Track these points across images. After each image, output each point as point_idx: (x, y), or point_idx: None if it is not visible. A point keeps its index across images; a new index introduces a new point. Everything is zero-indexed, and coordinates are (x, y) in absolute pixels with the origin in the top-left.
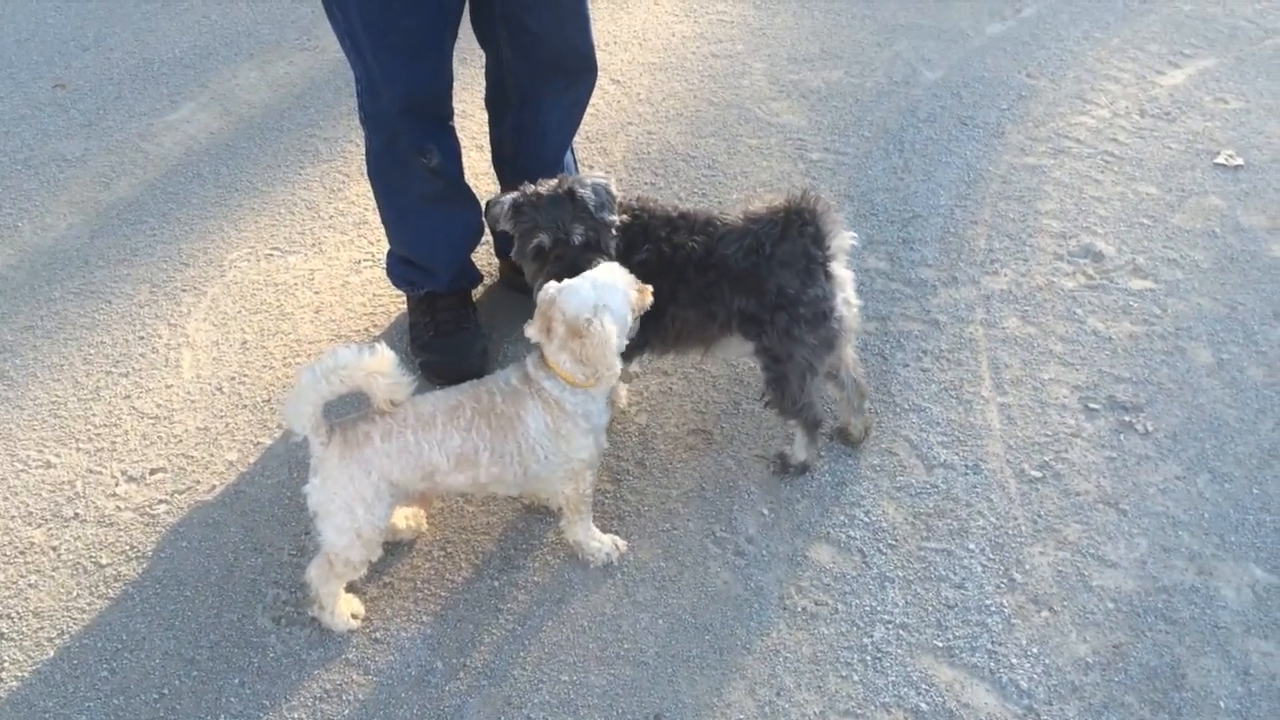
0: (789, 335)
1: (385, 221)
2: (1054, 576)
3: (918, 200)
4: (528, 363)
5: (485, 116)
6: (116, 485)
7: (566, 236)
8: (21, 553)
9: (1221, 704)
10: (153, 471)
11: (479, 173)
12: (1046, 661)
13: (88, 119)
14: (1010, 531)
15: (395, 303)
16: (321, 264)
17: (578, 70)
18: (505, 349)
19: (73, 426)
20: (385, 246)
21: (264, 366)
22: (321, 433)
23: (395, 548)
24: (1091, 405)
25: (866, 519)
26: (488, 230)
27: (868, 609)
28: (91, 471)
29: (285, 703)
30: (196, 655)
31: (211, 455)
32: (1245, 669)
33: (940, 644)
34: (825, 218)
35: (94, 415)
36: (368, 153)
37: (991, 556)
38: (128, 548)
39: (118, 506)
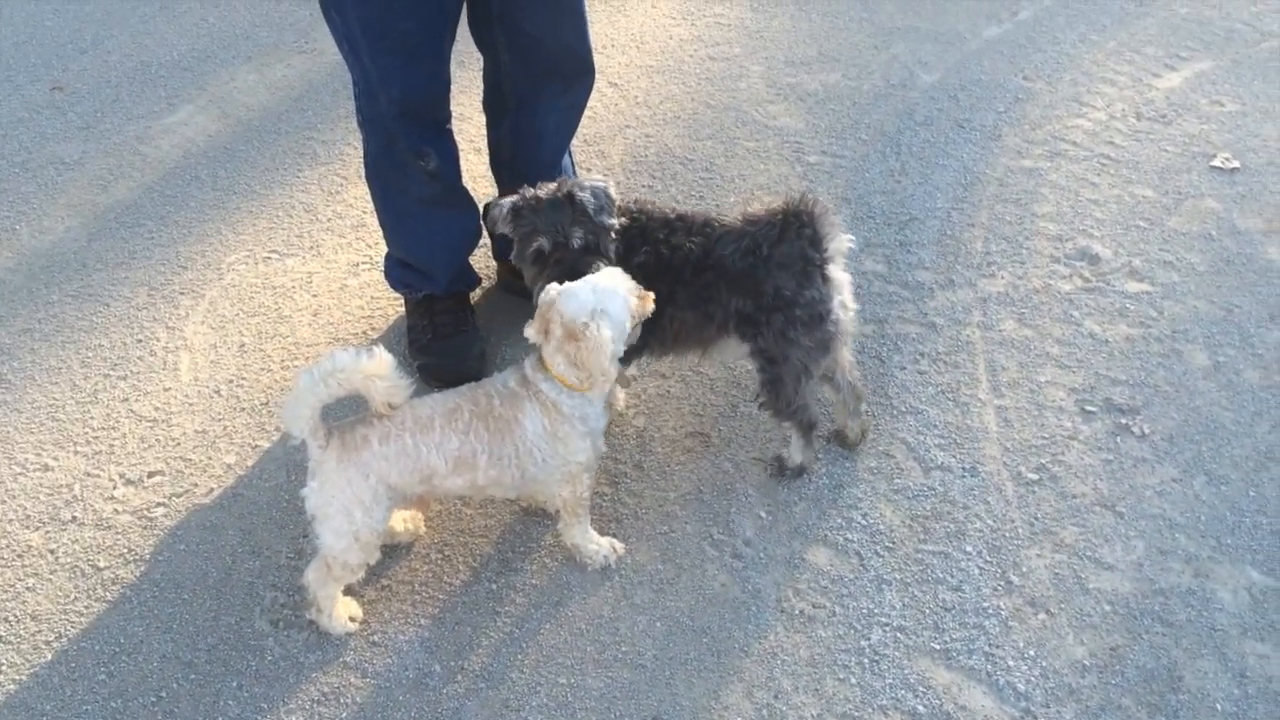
0: (784, 337)
1: (383, 224)
2: (1051, 579)
3: (915, 203)
4: (526, 365)
5: (483, 119)
6: (114, 488)
7: (566, 240)
8: (19, 556)
9: (1218, 706)
10: (150, 474)
11: (477, 175)
12: (1044, 664)
13: (85, 122)
14: (1007, 534)
15: (393, 305)
16: (319, 267)
17: (575, 73)
18: (503, 352)
19: (70, 429)
20: (383, 249)
21: (262, 369)
22: (319, 436)
23: (393, 551)
24: (1088, 408)
25: (864, 521)
26: (485, 233)
27: (865, 611)
28: (89, 474)
29: (283, 706)
30: (194, 658)
31: (209, 458)
32: (1242, 671)
33: (937, 646)
34: (823, 220)
35: (92, 418)
36: (365, 156)
37: (989, 559)
38: (125, 551)
39: (115, 509)
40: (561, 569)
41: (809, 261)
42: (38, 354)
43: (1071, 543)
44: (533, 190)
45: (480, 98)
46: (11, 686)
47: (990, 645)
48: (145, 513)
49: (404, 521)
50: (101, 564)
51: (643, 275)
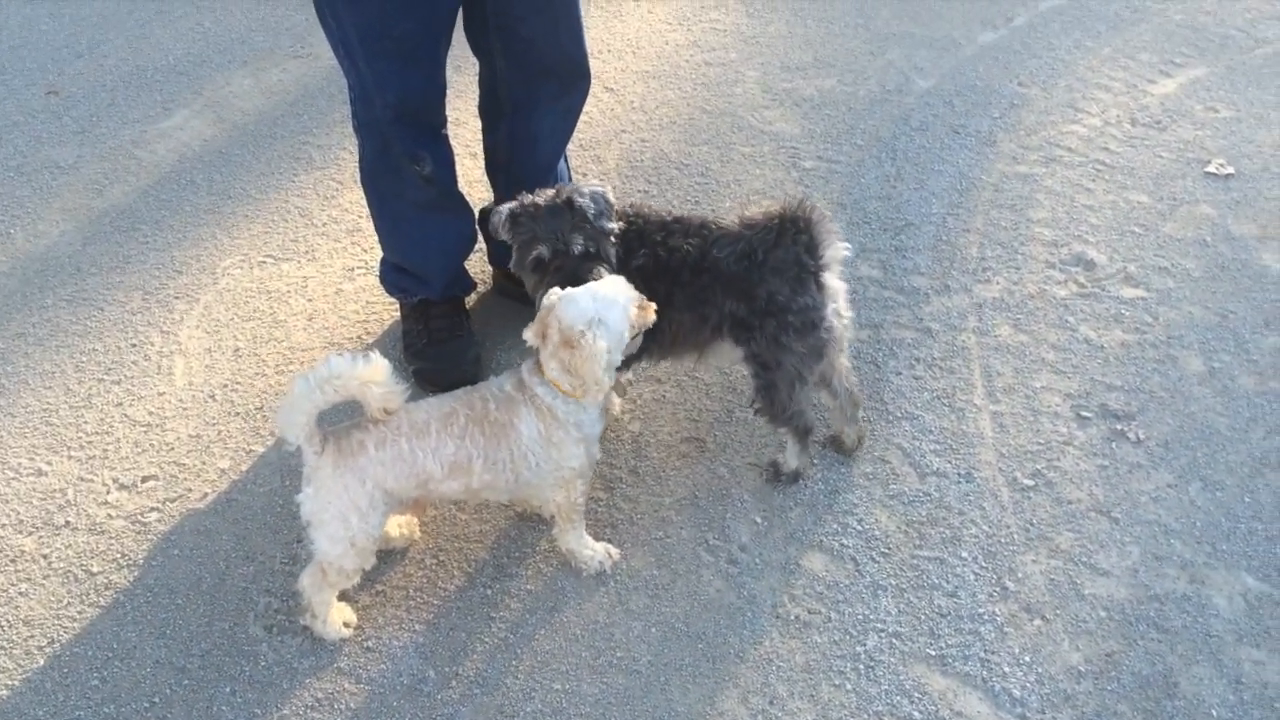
0: (777, 343)
1: (378, 229)
2: (1046, 585)
3: (910, 208)
4: (523, 369)
5: (479, 124)
6: (108, 493)
7: (566, 247)
8: (12, 561)
9: (1214, 712)
10: (144, 479)
11: (472, 180)
12: (1039, 670)
13: (81, 126)
14: (1003, 540)
15: (388, 310)
16: (314, 271)
17: (571, 78)
18: (498, 356)
19: (64, 434)
20: (378, 254)
21: (256, 374)
22: (315, 442)
23: (388, 556)
24: (1083, 413)
25: (859, 527)
26: (481, 238)
27: (860, 617)
28: (83, 479)
29: (277, 711)
30: (188, 664)
31: (203, 463)
32: (1237, 677)
33: (933, 652)
34: (819, 227)
35: (86, 423)
36: (361, 160)
37: (984, 565)
38: (119, 556)
39: (109, 514)
40: (556, 574)
41: (803, 268)
42: (31, 358)
43: (1067, 548)
44: (531, 197)
45: (476, 102)
46: (4, 692)
47: (986, 651)
48: (139, 517)
49: (399, 527)
50: (95, 569)
51: (641, 278)
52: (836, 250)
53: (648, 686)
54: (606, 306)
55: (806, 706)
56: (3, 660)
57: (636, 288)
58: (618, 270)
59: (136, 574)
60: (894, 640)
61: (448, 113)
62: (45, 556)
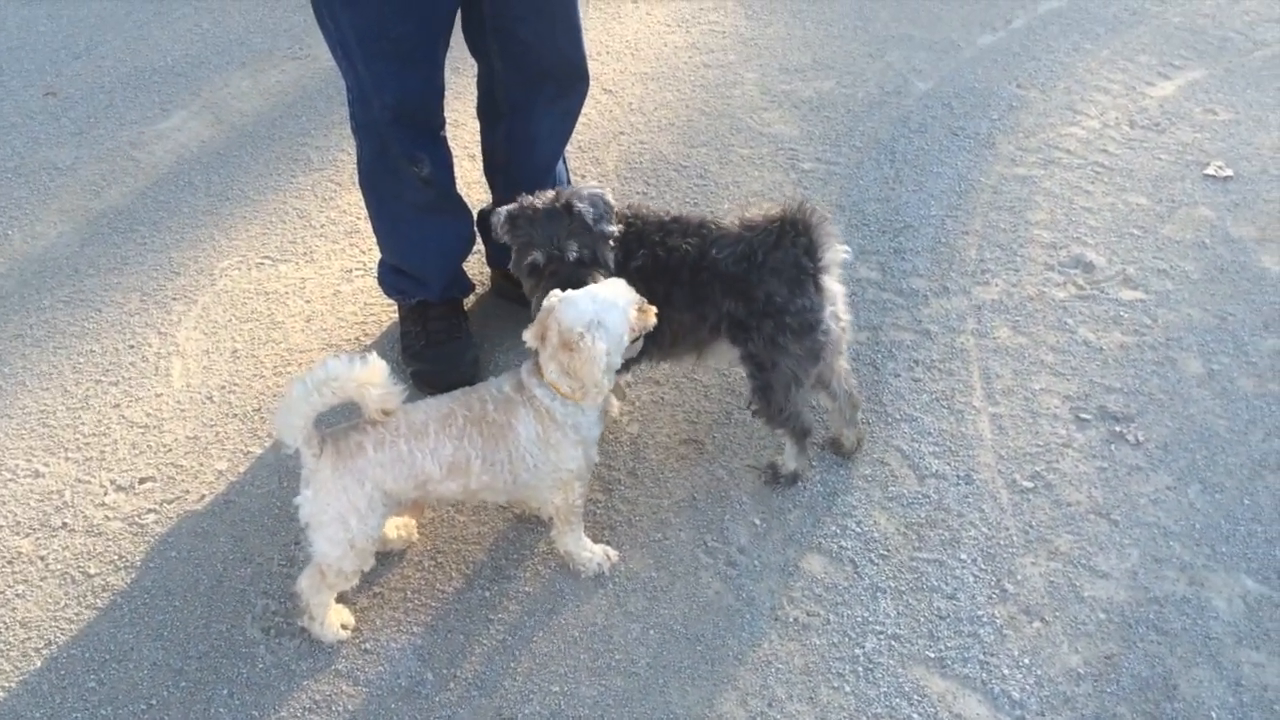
0: (774, 344)
1: (377, 230)
2: (1046, 587)
3: (909, 210)
4: (522, 370)
5: (477, 125)
6: (105, 494)
7: (561, 253)
8: (9, 562)
9: (1213, 715)
10: (142, 481)
11: (471, 181)
12: (1038, 672)
13: (79, 127)
14: (1002, 542)
15: (386, 312)
16: (313, 273)
17: (569, 80)
18: (496, 358)
19: (61, 435)
20: (377, 255)
21: (254, 375)
22: (313, 444)
23: (386, 558)
24: (1083, 415)
25: (858, 529)
26: (479, 239)
27: (859, 619)
28: (80, 481)
29: (274, 714)
30: (185, 666)
31: (201, 464)
32: (1237, 680)
33: (932, 655)
34: (819, 230)
35: (83, 424)
36: (359, 162)
37: (983, 567)
38: (116, 557)
39: (106, 516)
40: (555, 576)
41: (802, 270)
42: (29, 359)
43: (1066, 551)
44: (531, 199)
45: (474, 103)
46: (1, 694)
47: (985, 653)
48: (136, 519)
49: (397, 529)
50: (92, 570)
51: (640, 279)
52: (836, 253)
53: (646, 688)
54: (606, 309)
55: (805, 709)
56: (0, 663)
57: (636, 289)
58: (617, 272)
59: (134, 576)
60: (893, 642)
61: (446, 114)
62: (42, 558)
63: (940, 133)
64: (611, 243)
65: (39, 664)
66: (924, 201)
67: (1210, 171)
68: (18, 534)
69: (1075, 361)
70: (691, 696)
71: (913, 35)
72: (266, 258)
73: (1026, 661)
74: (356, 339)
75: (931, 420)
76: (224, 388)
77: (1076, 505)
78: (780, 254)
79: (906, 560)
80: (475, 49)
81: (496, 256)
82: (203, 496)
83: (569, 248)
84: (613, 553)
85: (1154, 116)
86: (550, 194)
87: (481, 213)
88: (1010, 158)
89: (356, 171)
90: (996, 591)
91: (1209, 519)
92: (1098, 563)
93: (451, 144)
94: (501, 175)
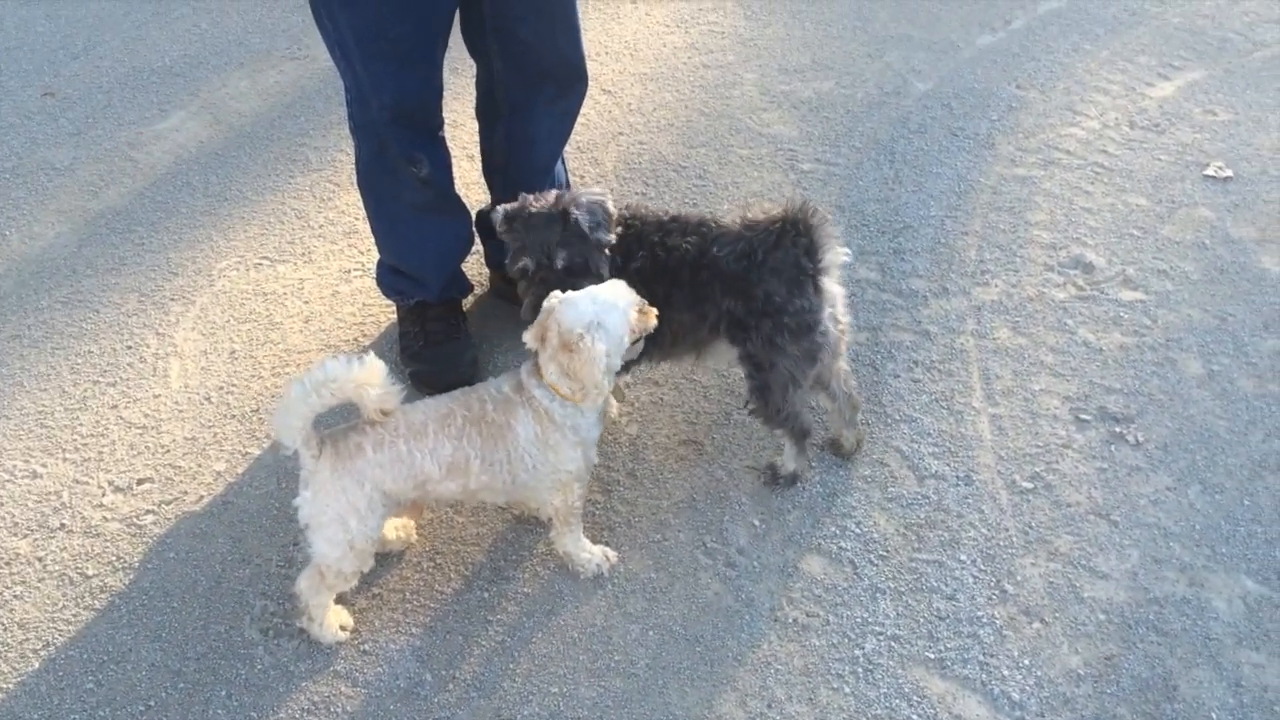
0: (772, 344)
1: (375, 231)
2: (1045, 588)
3: (908, 211)
4: (522, 371)
5: (476, 126)
6: (103, 496)
7: (550, 261)
8: (7, 564)
9: (1213, 716)
10: (140, 482)
11: (470, 182)
12: (1038, 673)
13: (77, 127)
14: (1002, 543)
15: (385, 312)
16: (311, 273)
17: (568, 80)
18: (495, 359)
19: (59, 436)
20: (375, 256)
21: (253, 376)
22: (312, 445)
23: (384, 559)
24: (1082, 416)
25: (858, 530)
26: (478, 240)
27: (859, 620)
28: (78, 482)
29: (273, 715)
30: (183, 667)
31: (199, 465)
32: (1237, 681)
33: (932, 656)
34: (820, 231)
35: (81, 425)
36: (357, 162)
37: (983, 568)
38: (114, 559)
39: (104, 517)
40: (554, 577)
41: (802, 270)
42: (27, 360)
43: (1066, 551)
44: (530, 200)
45: (473, 104)
46: None
47: (985, 654)
48: (134, 520)
49: (395, 529)
50: (90, 572)
51: (640, 279)
52: (836, 255)
53: (645, 689)
54: (606, 310)
55: (805, 710)
56: None
57: (635, 289)
58: (617, 273)
59: (132, 577)
60: (892, 643)
61: (445, 114)
62: (40, 559)
63: (940, 133)
64: (607, 252)
65: (37, 665)
66: (923, 202)
67: (1210, 172)
68: (15, 535)
69: (1075, 362)
70: (691, 698)
71: (912, 36)
72: (265, 258)
73: (1026, 662)
74: (355, 340)
75: (931, 421)
76: (222, 389)
77: (1076, 506)
78: (780, 254)
79: (906, 561)
80: (474, 49)
81: (495, 257)
82: (201, 497)
83: (558, 256)
84: (612, 554)
85: (1154, 117)
86: (551, 197)
87: (480, 213)
88: (1010, 158)
89: (355, 172)
90: (996, 592)
91: (1209, 520)
92: (1098, 563)
93: (450, 144)
94: (500, 176)
